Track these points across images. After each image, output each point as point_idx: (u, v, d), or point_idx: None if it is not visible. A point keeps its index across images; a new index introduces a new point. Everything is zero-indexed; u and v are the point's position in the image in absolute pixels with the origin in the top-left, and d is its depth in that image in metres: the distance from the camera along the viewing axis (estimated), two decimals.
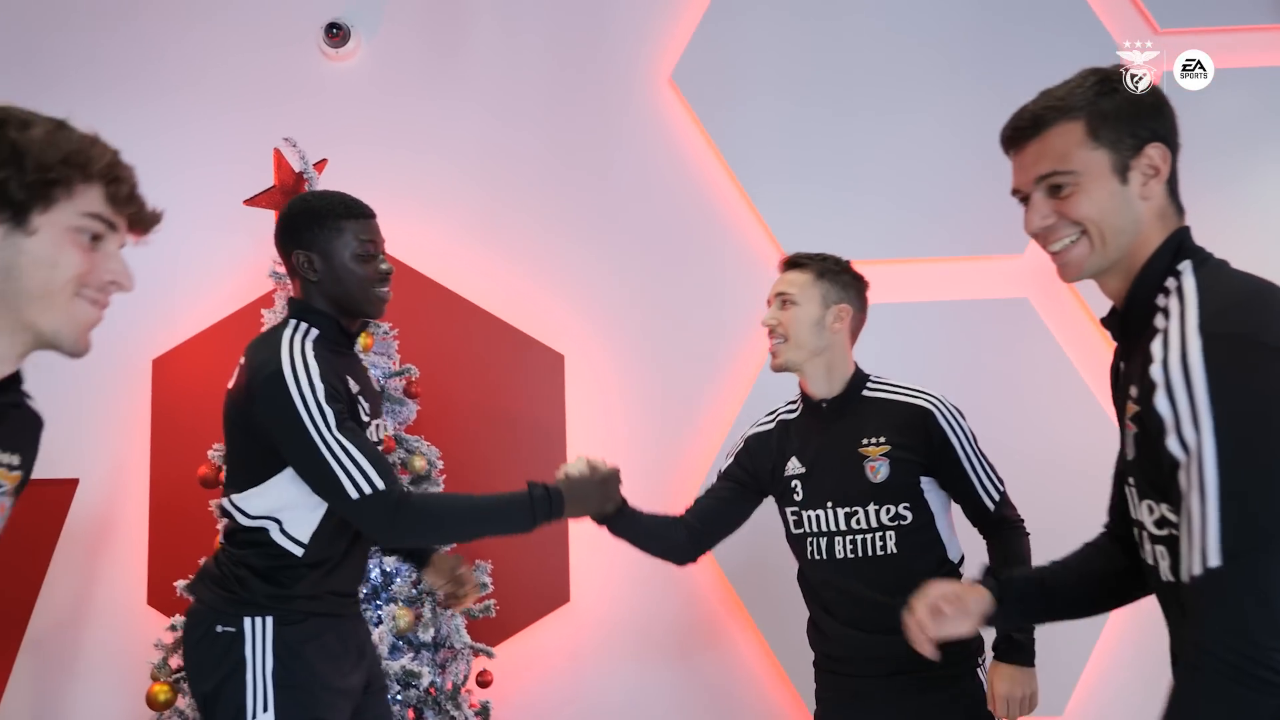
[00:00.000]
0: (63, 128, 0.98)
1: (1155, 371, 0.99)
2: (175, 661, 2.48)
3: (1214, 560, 0.93)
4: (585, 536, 3.16)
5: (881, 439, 1.79)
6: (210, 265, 3.23)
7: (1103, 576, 1.29)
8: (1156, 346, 1.01)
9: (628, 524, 1.85)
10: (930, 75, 3.24)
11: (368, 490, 1.57)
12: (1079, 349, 3.14)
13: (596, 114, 3.35)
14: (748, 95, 3.29)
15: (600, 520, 1.83)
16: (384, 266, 1.75)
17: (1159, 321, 1.05)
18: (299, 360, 1.60)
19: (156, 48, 3.37)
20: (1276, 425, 0.94)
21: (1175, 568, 1.03)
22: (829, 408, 1.87)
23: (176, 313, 3.20)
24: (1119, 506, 1.25)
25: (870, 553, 1.77)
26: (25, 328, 0.98)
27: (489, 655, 2.73)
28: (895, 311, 3.12)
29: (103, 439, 3.19)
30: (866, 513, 1.77)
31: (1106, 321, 1.18)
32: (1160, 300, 1.08)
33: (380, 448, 1.74)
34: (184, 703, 2.36)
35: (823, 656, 1.90)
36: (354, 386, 1.72)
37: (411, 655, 2.43)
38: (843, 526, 1.79)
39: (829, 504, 1.80)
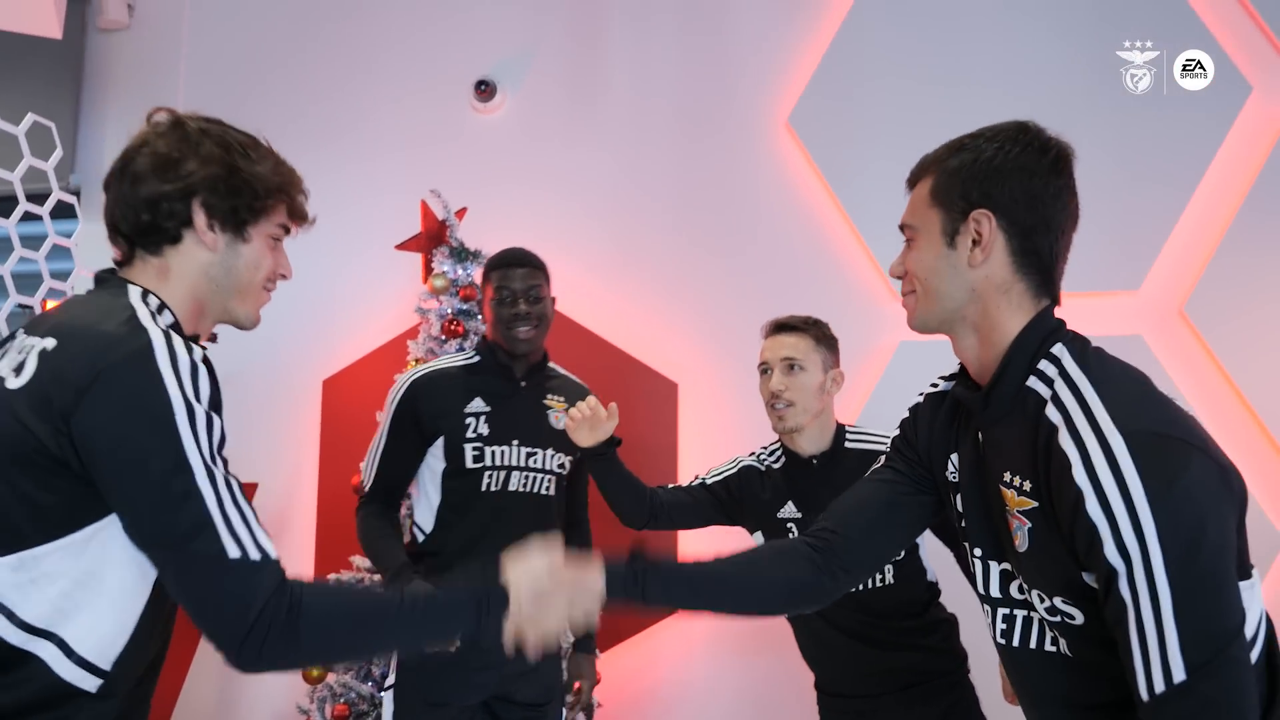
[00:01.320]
0: (272, 158, 1.20)
1: (1079, 475, 0.93)
2: None
3: (1179, 675, 0.88)
4: (695, 547, 3.36)
5: None
6: (369, 297, 3.66)
7: (787, 581, 1.23)
8: (1068, 446, 0.95)
9: (609, 466, 1.90)
10: (1043, 121, 3.28)
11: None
12: (1195, 386, 3.10)
13: (718, 157, 3.57)
14: (863, 137, 3.43)
15: (590, 455, 1.88)
16: (519, 309, 2.01)
17: (1051, 414, 0.99)
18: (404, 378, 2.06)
19: (320, 97, 3.86)
20: (1210, 524, 0.91)
21: (1074, 647, 1.02)
22: (819, 463, 1.99)
23: (342, 340, 3.64)
24: (873, 542, 1.23)
25: (871, 586, 1.89)
26: (225, 312, 1.21)
27: (594, 655, 2.97)
28: None
29: (282, 448, 3.67)
30: None
31: (963, 396, 1.13)
32: (1037, 386, 1.03)
33: (507, 469, 1.99)
34: (332, 678, 2.73)
35: (825, 680, 2.04)
36: (479, 406, 1.98)
37: None
38: None
39: None
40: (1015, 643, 1.07)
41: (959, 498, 1.15)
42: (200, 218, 1.12)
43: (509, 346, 2.04)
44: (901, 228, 1.16)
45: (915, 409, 1.29)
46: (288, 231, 1.23)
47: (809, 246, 3.48)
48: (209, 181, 1.11)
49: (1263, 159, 3.13)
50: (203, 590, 1.00)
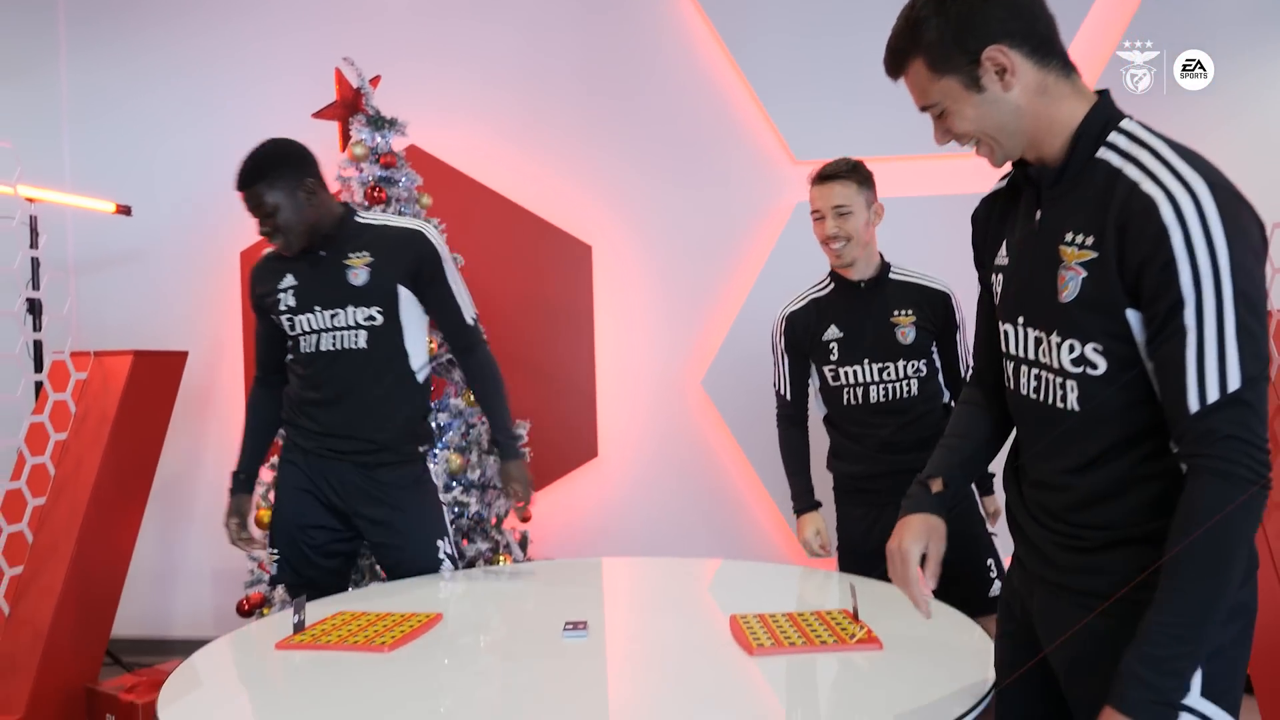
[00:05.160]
0: None
1: (1167, 215, 1.04)
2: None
3: (1234, 384, 1.03)
4: (611, 398, 3.63)
5: (909, 311, 2.29)
6: None
7: (991, 438, 1.41)
8: (1154, 191, 1.06)
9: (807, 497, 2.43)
10: None
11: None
12: None
13: (622, 26, 3.67)
14: (762, 4, 3.56)
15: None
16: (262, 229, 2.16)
17: (1131, 173, 1.09)
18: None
19: None
20: (1260, 274, 1.06)
21: (1084, 399, 1.15)
22: (865, 287, 2.31)
23: None
24: (991, 351, 1.36)
25: (900, 395, 2.28)
26: None
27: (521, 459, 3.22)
28: (902, 206, 3.42)
29: (205, 319, 3.75)
30: (896, 366, 2.28)
31: (1034, 172, 1.21)
32: (1108, 156, 1.13)
33: (312, 331, 2.19)
34: None
35: (847, 478, 2.37)
36: (289, 281, 2.19)
37: (461, 490, 2.96)
38: (876, 378, 2.29)
39: (865, 360, 2.29)
40: (1040, 397, 1.22)
41: (1002, 275, 1.28)
42: None
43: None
44: (924, 109, 1.22)
45: (974, 215, 1.38)
46: None
47: (711, 112, 3.64)
48: None
49: None
50: None
